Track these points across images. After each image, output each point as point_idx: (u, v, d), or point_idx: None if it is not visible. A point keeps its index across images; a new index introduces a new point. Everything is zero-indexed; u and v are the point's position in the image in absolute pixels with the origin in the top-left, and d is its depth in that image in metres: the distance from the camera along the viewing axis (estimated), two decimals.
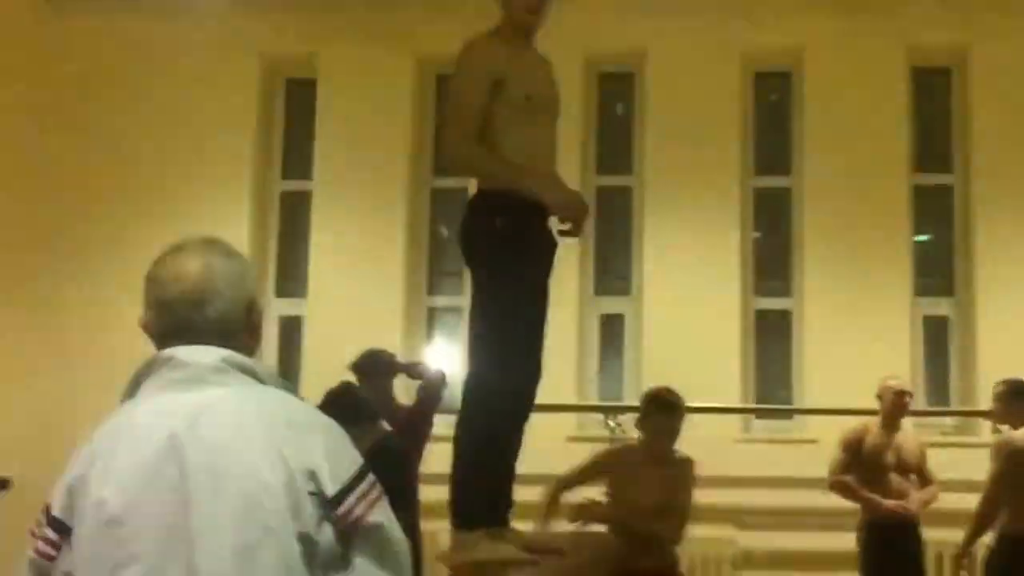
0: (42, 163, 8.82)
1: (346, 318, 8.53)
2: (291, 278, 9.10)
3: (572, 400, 8.28)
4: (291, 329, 8.96)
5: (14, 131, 8.75)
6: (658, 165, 8.65)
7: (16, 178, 8.68)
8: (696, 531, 7.78)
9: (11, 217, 8.66)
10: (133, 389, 1.89)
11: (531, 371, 3.39)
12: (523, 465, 7.78)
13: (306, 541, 1.74)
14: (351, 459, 1.85)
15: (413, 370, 6.21)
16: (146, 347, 4.03)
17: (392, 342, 8.64)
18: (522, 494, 7.86)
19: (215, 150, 8.88)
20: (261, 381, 1.87)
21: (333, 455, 1.81)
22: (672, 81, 8.68)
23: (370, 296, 8.67)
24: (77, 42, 8.89)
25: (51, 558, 1.82)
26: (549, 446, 7.91)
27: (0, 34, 8.58)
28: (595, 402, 8.45)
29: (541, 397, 7.63)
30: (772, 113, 9.12)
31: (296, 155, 9.22)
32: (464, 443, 3.29)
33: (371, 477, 1.84)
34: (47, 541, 1.83)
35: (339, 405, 4.81)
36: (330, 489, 1.77)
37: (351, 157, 8.90)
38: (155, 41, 8.89)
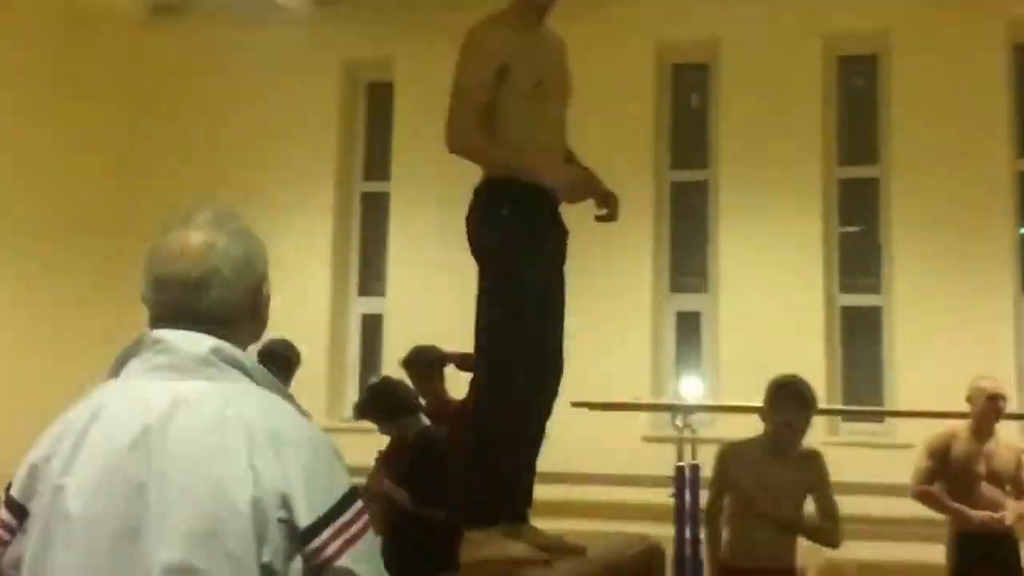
0: (136, 164, 8.43)
1: (424, 316, 7.89)
2: (372, 277, 8.49)
3: (647, 399, 7.54)
4: (372, 327, 8.25)
5: (111, 135, 8.43)
6: (735, 158, 7.37)
7: (111, 179, 8.34)
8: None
9: (107, 217, 8.42)
10: (118, 368, 1.61)
11: (542, 365, 2.96)
12: (599, 465, 7.13)
13: (268, 574, 1.44)
14: (334, 484, 1.51)
15: (465, 362, 5.66)
16: None
17: (468, 339, 8.00)
18: (597, 494, 7.19)
19: (299, 152, 8.27)
20: (251, 377, 1.57)
21: (313, 478, 1.48)
22: (748, 70, 7.38)
23: (447, 293, 8.01)
24: (170, 49, 8.59)
25: (4, 543, 1.57)
26: (624, 446, 7.17)
27: (102, 43, 8.23)
28: (671, 401, 7.63)
29: (615, 395, 7.01)
30: (857, 99, 7.64)
31: (376, 156, 8.46)
32: (474, 441, 2.93)
33: (356, 507, 1.50)
34: (2, 524, 1.58)
35: (377, 399, 4.42)
36: (303, 519, 1.46)
37: (428, 157, 8.27)
38: (243, 48, 8.46)
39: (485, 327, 2.91)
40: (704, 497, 5.38)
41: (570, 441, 7.14)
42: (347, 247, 8.40)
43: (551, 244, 2.98)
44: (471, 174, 8.31)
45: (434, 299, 7.84)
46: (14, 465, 1.63)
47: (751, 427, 6.67)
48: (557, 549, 2.88)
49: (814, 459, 4.37)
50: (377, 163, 8.45)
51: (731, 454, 4.37)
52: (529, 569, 2.68)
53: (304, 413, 1.61)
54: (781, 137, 7.31)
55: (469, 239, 2.95)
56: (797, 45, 7.35)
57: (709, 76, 7.79)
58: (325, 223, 8.24)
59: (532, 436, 2.98)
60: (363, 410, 4.43)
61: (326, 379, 7.90)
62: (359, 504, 1.52)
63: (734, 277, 7.33)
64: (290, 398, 1.61)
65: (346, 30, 8.28)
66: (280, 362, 4.69)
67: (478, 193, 2.94)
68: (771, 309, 7.14)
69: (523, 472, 2.96)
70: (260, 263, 1.68)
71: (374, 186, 8.46)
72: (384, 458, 4.39)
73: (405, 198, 8.13)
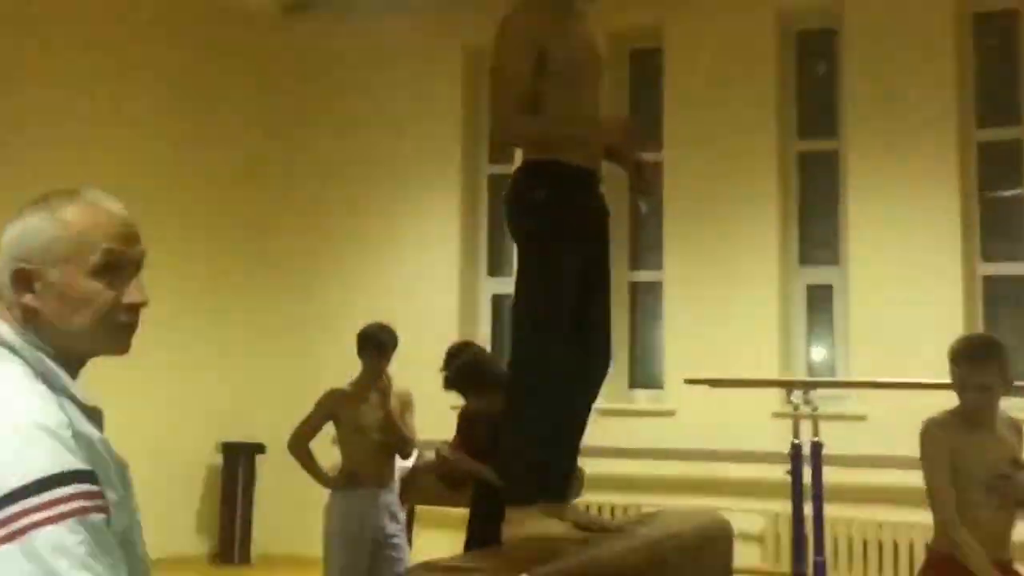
0: (269, 155, 8.69)
1: None
2: (500, 258, 8.29)
3: (777, 375, 7.27)
4: (501, 306, 8.15)
5: (246, 128, 8.70)
6: (864, 126, 6.97)
7: (247, 170, 8.60)
8: (921, 517, 6.54)
9: (244, 208, 8.73)
10: None
11: (583, 345, 2.82)
12: (728, 441, 6.94)
13: None
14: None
15: None
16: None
17: None
18: (727, 471, 7.01)
19: (426, 137, 8.32)
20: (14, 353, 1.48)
21: None
22: (876, 33, 6.96)
23: None
24: (301, 43, 8.80)
25: None
26: (754, 421, 6.95)
27: (236, 40, 8.50)
28: (803, 377, 7.34)
29: (744, 371, 6.80)
30: (994, 58, 7.13)
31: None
32: (512, 421, 2.80)
33: (25, 504, 1.33)
34: None
35: (473, 372, 4.27)
36: None
37: None
38: (369, 38, 8.60)
39: (522, 309, 2.84)
40: (828, 475, 5.17)
41: (696, 418, 7.00)
42: (475, 229, 8.43)
43: (590, 223, 2.86)
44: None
45: None
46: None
47: (881, 402, 6.39)
48: (596, 528, 2.80)
49: (1017, 427, 3.66)
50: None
51: (939, 432, 3.56)
52: (567, 546, 2.59)
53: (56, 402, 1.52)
54: (913, 101, 6.91)
55: (507, 221, 2.89)
56: (927, 4, 6.92)
57: (835, 41, 7.42)
58: (453, 205, 8.32)
59: (574, 416, 2.90)
60: (457, 381, 4.29)
61: None
62: (31, 501, 1.37)
63: (866, 248, 6.97)
64: (49, 378, 1.55)
65: (467, 17, 8.27)
66: (373, 345, 4.66)
67: (515, 177, 2.86)
68: (905, 281, 6.76)
69: (563, 452, 2.89)
70: (24, 246, 1.56)
71: (500, 168, 8.44)
72: (467, 431, 4.30)
73: None
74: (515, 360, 2.79)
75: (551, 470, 2.79)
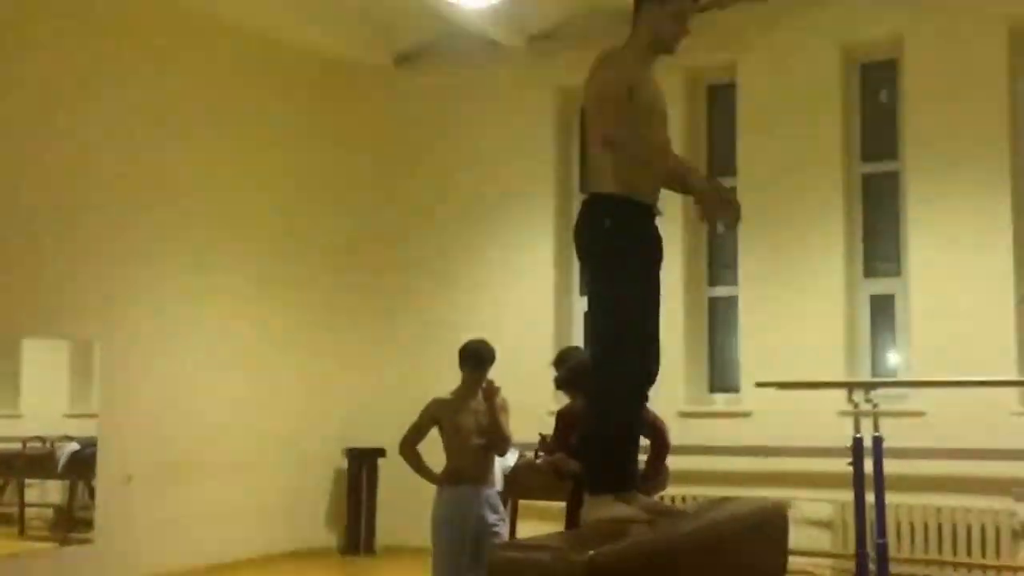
0: (379, 194, 9.22)
1: None
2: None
3: (843, 378, 7.35)
4: None
5: (364, 165, 9.19)
6: (924, 148, 7.15)
7: (362, 207, 9.10)
8: (975, 503, 6.71)
9: (360, 241, 9.26)
10: None
11: (646, 353, 3.10)
12: (799, 438, 7.15)
13: None
14: None
15: None
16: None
17: (676, 330, 8.20)
18: (798, 465, 7.21)
19: (521, 173, 8.62)
20: None
21: None
22: (934, 63, 7.15)
23: None
24: (409, 92, 9.24)
25: None
26: (822, 420, 7.13)
27: (350, 91, 9.01)
28: (847, 379, 7.36)
29: (813, 375, 7.00)
30: None
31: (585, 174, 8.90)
32: (595, 422, 3.10)
33: None
34: None
35: (585, 374, 4.52)
36: None
37: None
38: (471, 85, 8.88)
39: (598, 326, 3.08)
40: (888, 467, 5.39)
41: (769, 418, 7.25)
42: (568, 255, 8.73)
43: (651, 249, 3.13)
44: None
45: None
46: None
47: (938, 400, 6.56)
48: (661, 512, 3.06)
49: None
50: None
51: None
52: (633, 527, 2.82)
53: None
54: (969, 124, 7.05)
55: (576, 247, 3.13)
56: (981, 34, 7.07)
57: (896, 71, 7.59)
58: (548, 234, 8.63)
59: (639, 417, 3.18)
60: (567, 381, 4.50)
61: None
62: None
63: (925, 260, 7.14)
64: None
65: (558, 60, 8.63)
66: (473, 358, 4.95)
67: (585, 205, 3.12)
68: (962, 290, 6.93)
69: (632, 446, 3.14)
70: None
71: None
72: (565, 430, 4.52)
73: None
74: (594, 369, 3.07)
75: (625, 463, 3.08)
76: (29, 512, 6.93)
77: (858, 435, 5.41)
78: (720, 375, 8.12)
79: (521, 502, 6.85)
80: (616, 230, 3.00)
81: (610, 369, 3.02)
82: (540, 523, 6.17)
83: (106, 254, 7.26)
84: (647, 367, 3.10)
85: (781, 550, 3.51)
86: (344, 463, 8.83)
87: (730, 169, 8.02)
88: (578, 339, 8.53)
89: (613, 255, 3.01)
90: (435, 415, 5.01)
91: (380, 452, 8.63)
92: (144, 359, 7.43)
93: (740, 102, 7.95)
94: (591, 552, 2.38)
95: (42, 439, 6.91)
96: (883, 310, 7.47)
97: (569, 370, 4.50)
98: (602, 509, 2.97)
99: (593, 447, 3.08)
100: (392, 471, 8.44)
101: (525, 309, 8.53)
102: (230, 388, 8.06)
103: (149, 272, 7.57)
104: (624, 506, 2.98)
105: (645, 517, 2.95)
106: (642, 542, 2.70)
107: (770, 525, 3.46)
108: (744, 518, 3.32)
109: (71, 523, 7.06)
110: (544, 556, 2.39)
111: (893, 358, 7.50)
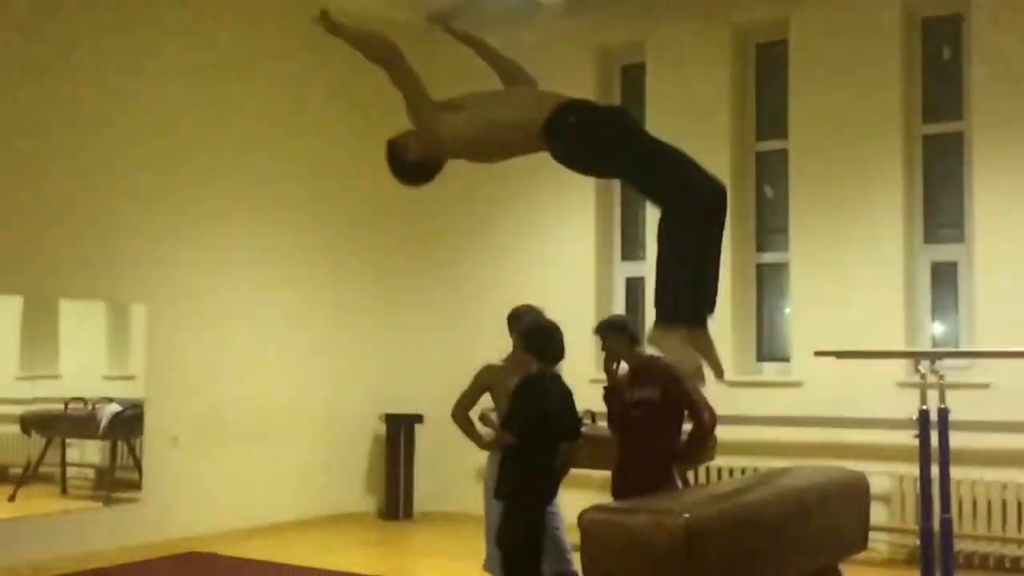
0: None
1: None
2: (633, 243, 8.47)
3: (902, 348, 7.20)
4: (635, 288, 8.35)
5: (403, 129, 9.18)
6: (989, 107, 6.85)
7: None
8: None
9: (403, 210, 9.12)
10: None
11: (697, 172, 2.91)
12: (852, 409, 6.99)
13: None
14: None
15: None
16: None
17: (723, 297, 7.99)
18: (851, 436, 7.05)
19: None
20: None
21: None
22: (1000, 18, 6.82)
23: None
24: (444, 53, 9.11)
25: None
26: (878, 391, 6.98)
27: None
28: (911, 348, 7.06)
29: (870, 344, 6.82)
30: None
31: None
32: (666, 261, 2.90)
33: None
34: None
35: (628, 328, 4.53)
36: None
37: (678, 130, 8.27)
38: (508, 45, 8.86)
39: (641, 174, 3.00)
40: (953, 439, 5.21)
41: (821, 388, 7.08)
42: (609, 219, 8.61)
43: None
44: (722, 140, 8.25)
45: None
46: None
47: (1004, 371, 6.36)
48: (714, 362, 2.93)
49: None
50: None
51: None
52: (720, 493, 2.79)
53: None
54: None
55: (569, 159, 3.15)
56: None
57: (959, 27, 7.31)
58: (589, 198, 8.44)
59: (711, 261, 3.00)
60: (619, 330, 4.53)
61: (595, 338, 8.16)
62: None
63: (991, 226, 6.89)
64: None
65: (599, 18, 8.46)
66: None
67: (549, 127, 3.09)
68: None
69: (711, 286, 3.00)
70: None
71: None
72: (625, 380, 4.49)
73: None
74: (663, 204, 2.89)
75: (692, 299, 2.89)
76: (69, 472, 6.91)
77: (924, 407, 5.22)
78: (769, 344, 7.93)
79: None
80: (578, 123, 2.97)
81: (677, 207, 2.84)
82: (582, 492, 6.08)
83: (144, 216, 7.21)
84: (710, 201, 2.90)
85: (863, 519, 3.43)
86: (382, 429, 8.78)
87: (781, 131, 7.80)
88: (620, 306, 8.42)
89: (596, 131, 2.94)
90: (487, 382, 4.96)
91: (418, 418, 8.63)
92: (186, 322, 7.40)
93: (792, 61, 7.71)
94: (686, 515, 2.33)
95: (83, 400, 6.86)
96: (945, 278, 7.24)
97: (620, 324, 4.57)
98: (671, 340, 2.83)
99: (663, 281, 2.90)
100: (430, 437, 8.44)
101: (568, 274, 8.40)
102: (271, 352, 8.04)
103: (189, 234, 7.52)
104: (687, 349, 2.83)
105: (694, 363, 2.84)
106: (734, 506, 2.62)
107: (853, 494, 3.38)
108: (829, 486, 3.24)
109: (113, 484, 7.03)
110: (640, 519, 2.32)
111: (954, 328, 7.27)
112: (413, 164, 3.27)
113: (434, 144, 3.17)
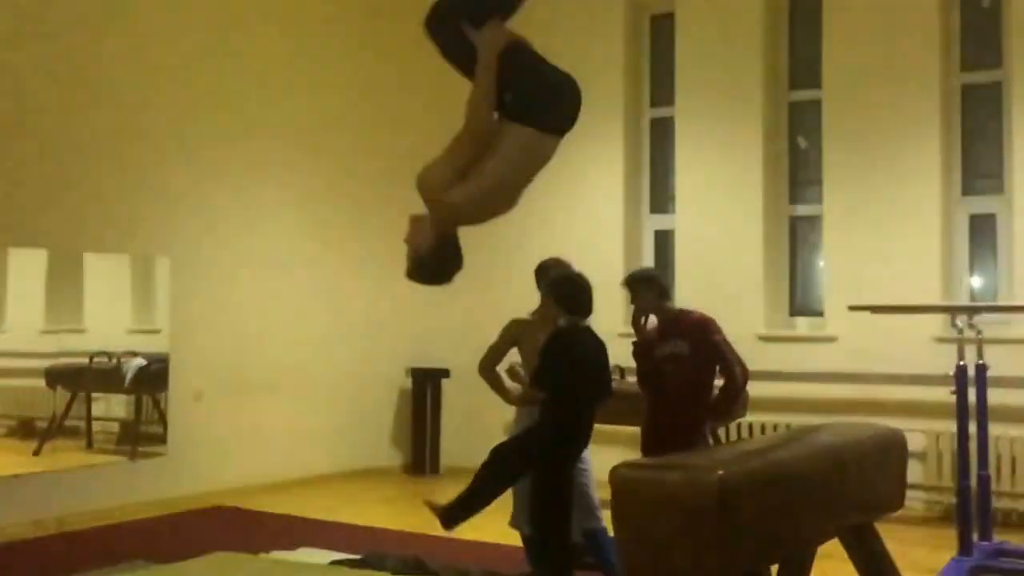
0: (442, 102, 9.11)
1: (712, 229, 7.90)
2: (662, 196, 8.60)
3: (938, 302, 7.10)
4: (664, 241, 8.39)
5: (427, 74, 9.04)
6: None
7: (422, 115, 8.96)
8: None
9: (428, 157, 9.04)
10: None
11: None
12: (887, 365, 6.87)
13: None
14: None
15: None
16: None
17: (755, 250, 7.94)
18: (885, 392, 6.95)
19: (590, 85, 8.53)
20: None
21: None
22: None
23: (733, 208, 7.93)
24: None
25: None
26: (914, 346, 6.85)
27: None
28: (951, 303, 7.05)
29: (906, 299, 6.68)
30: None
31: (661, 84, 8.37)
32: None
33: None
34: None
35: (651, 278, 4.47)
36: None
37: (709, 82, 8.16)
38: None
39: None
40: (992, 395, 5.10)
41: (855, 343, 6.96)
42: (638, 171, 8.47)
43: None
44: (753, 91, 8.11)
45: (721, 213, 7.80)
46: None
47: None
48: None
49: None
50: (663, 91, 8.40)
51: None
52: (756, 449, 2.69)
53: None
54: None
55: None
56: None
57: None
58: (617, 150, 8.36)
59: None
60: (647, 282, 4.44)
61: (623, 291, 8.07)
62: None
63: None
64: None
65: None
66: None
67: None
68: None
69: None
70: None
71: (660, 112, 8.44)
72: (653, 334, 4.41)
73: (689, 122, 8.06)
74: None
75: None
76: (95, 426, 6.93)
77: (962, 362, 5.10)
78: (802, 298, 7.80)
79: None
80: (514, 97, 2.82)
81: None
82: (611, 448, 6.03)
83: (168, 169, 7.15)
84: None
85: (900, 477, 3.34)
86: (408, 383, 8.76)
87: (814, 81, 7.61)
88: (648, 260, 8.30)
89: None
90: (515, 336, 4.89)
91: (444, 372, 8.60)
92: (211, 275, 7.37)
93: (826, 8, 7.49)
94: (720, 472, 2.25)
95: (108, 354, 6.87)
96: (983, 230, 7.06)
97: (651, 277, 4.50)
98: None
99: None
100: (457, 392, 8.41)
101: (596, 227, 8.28)
102: (296, 306, 8.00)
103: (213, 187, 7.45)
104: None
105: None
106: (769, 463, 2.54)
107: (890, 451, 3.29)
108: (865, 443, 3.13)
109: (138, 438, 7.05)
110: (673, 476, 2.25)
111: (992, 282, 7.11)
112: (432, 254, 2.99)
113: (445, 215, 2.90)
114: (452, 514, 4.42)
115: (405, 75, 8.77)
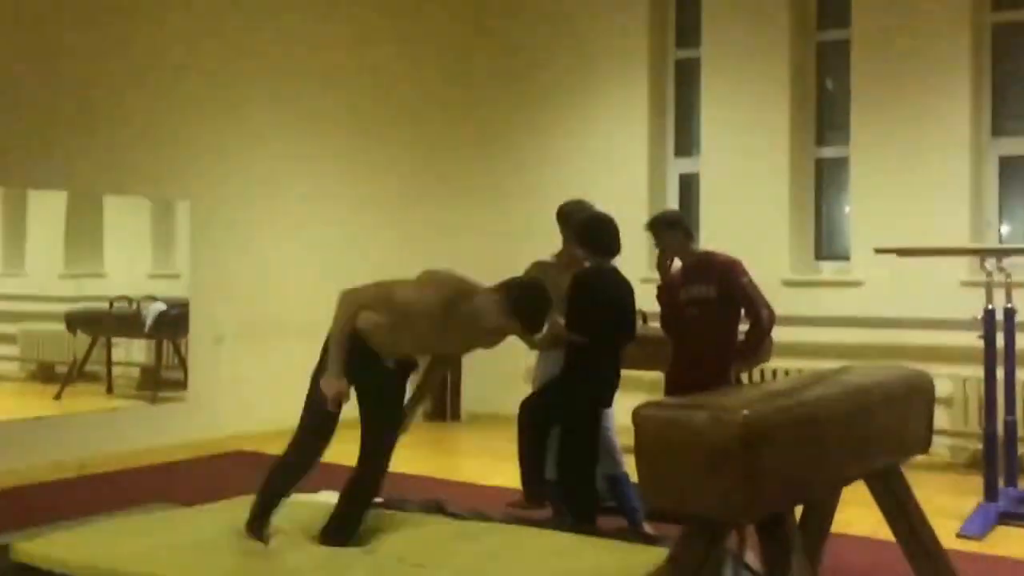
0: (471, 63, 8.96)
1: (737, 172, 7.80)
2: (686, 139, 8.52)
3: (967, 245, 6.98)
4: (688, 185, 8.33)
5: (457, 23, 8.92)
6: None
7: (450, 77, 8.83)
8: None
9: (456, 105, 8.97)
10: None
11: None
12: (914, 310, 6.79)
13: None
14: None
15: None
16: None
17: (780, 194, 7.83)
18: (913, 338, 6.88)
19: (615, 28, 8.36)
20: None
21: None
22: None
23: (759, 151, 7.81)
24: None
25: None
26: (941, 291, 6.76)
27: None
28: (981, 246, 6.95)
29: (934, 242, 6.57)
30: None
31: (687, 25, 8.20)
32: None
33: None
34: None
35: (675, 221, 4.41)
36: None
37: (736, 24, 8.00)
38: None
39: None
40: (1020, 340, 5.03)
41: (882, 288, 6.88)
42: (663, 112, 8.35)
43: None
44: (779, 32, 7.95)
45: (746, 155, 7.69)
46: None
47: None
48: None
49: None
50: (688, 31, 8.25)
51: None
52: (779, 390, 2.66)
53: None
54: None
55: None
56: None
57: None
58: (642, 91, 8.25)
59: None
60: (672, 225, 4.38)
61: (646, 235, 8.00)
62: None
63: None
64: None
65: None
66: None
67: None
68: None
69: None
70: None
71: (686, 53, 8.30)
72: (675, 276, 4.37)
73: (715, 63, 7.92)
74: None
75: None
76: (115, 371, 6.98)
77: (990, 306, 5.02)
78: (828, 242, 7.71)
79: None
80: None
81: None
82: (634, 394, 6.01)
83: (189, 112, 7.09)
84: None
85: (927, 420, 3.29)
86: None
87: (843, 20, 7.43)
88: (673, 203, 8.22)
89: None
90: (536, 277, 4.78)
91: None
92: (232, 221, 7.33)
93: None
94: (745, 412, 2.21)
95: (128, 299, 6.88)
96: (1013, 172, 6.92)
97: (675, 219, 4.43)
98: None
99: None
100: None
101: (620, 170, 8.20)
102: (317, 250, 7.96)
103: (234, 131, 7.39)
104: None
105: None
106: (795, 403, 2.50)
107: (917, 394, 3.23)
108: (892, 384, 3.08)
109: (159, 383, 7.09)
110: (698, 415, 2.21)
111: (1023, 225, 6.98)
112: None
113: None
114: (529, 493, 4.31)
115: (422, 27, 8.69)
